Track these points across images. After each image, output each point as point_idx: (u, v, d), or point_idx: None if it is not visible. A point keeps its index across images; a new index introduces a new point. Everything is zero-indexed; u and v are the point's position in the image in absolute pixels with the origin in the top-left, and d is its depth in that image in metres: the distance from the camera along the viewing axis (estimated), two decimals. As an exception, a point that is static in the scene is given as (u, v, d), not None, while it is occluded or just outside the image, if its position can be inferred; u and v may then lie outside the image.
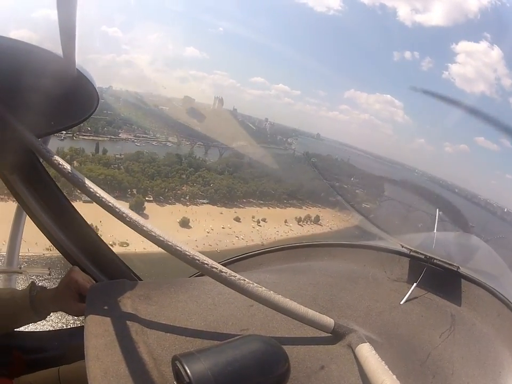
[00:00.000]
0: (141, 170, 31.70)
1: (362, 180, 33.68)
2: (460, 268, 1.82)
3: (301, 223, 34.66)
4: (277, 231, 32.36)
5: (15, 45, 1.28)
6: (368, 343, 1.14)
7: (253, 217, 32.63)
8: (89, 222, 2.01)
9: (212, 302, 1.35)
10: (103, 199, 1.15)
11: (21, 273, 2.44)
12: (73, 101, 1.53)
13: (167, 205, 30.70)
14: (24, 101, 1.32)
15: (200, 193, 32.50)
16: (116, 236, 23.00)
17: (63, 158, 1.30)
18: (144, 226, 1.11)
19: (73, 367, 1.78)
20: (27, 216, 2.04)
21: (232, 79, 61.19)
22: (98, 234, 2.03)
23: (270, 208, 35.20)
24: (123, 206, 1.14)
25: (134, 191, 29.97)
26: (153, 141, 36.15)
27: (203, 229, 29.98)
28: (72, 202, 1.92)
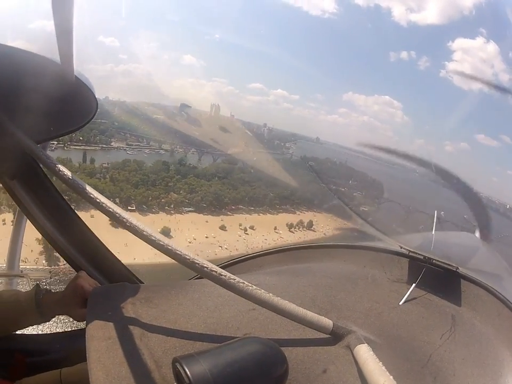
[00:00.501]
0: (125, 179, 30.87)
1: (361, 183, 32.91)
2: (459, 268, 1.82)
3: (292, 229, 33.39)
4: (265, 239, 31.08)
5: (12, 52, 1.29)
6: (366, 344, 1.15)
7: (240, 225, 31.45)
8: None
9: (212, 304, 1.37)
10: (104, 205, 1.17)
11: (22, 276, 2.46)
12: (72, 106, 1.54)
13: (150, 214, 29.65)
14: (22, 107, 1.32)
15: (186, 201, 31.58)
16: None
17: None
18: (144, 231, 1.13)
19: (75, 369, 1.77)
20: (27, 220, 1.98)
21: (231, 85, 58.65)
22: (99, 238, 2.00)
23: (261, 214, 34.07)
24: (124, 212, 1.16)
25: (117, 200, 28.49)
26: (146, 148, 35.63)
27: (185, 238, 28.90)
28: (77, 211, 1.91)
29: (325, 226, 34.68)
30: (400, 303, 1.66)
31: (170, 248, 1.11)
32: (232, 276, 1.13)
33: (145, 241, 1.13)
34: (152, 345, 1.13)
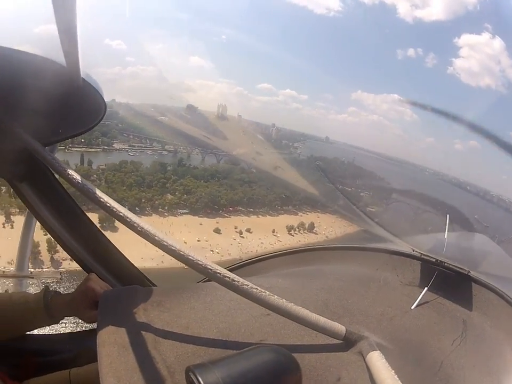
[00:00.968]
0: (120, 181, 30.24)
1: (369, 182, 31.09)
2: (471, 271, 1.79)
3: (292, 232, 32.07)
4: (262, 243, 29.83)
5: (18, 55, 1.30)
6: (378, 351, 1.15)
7: (236, 227, 30.29)
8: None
9: (224, 308, 1.35)
10: (114, 209, 1.16)
11: (32, 277, 2.45)
12: (80, 108, 1.54)
13: (143, 216, 28.37)
14: (29, 109, 1.34)
15: (181, 202, 30.59)
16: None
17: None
18: (156, 236, 1.10)
19: (84, 370, 1.75)
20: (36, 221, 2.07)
21: (239, 86, 60.04)
22: (110, 241, 2.01)
23: (260, 216, 32.86)
24: (134, 216, 1.14)
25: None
26: (149, 150, 35.58)
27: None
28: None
29: (328, 228, 33.76)
30: (412, 307, 1.60)
31: (182, 253, 1.08)
32: (245, 282, 1.09)
33: (157, 246, 1.09)
34: (164, 351, 1.10)
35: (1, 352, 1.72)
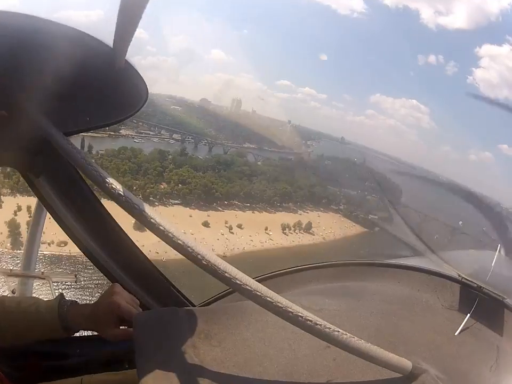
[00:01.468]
0: (115, 167, 28.72)
1: (378, 185, 32.99)
2: (506, 298, 1.79)
3: (286, 231, 30.27)
4: (251, 240, 28.14)
5: (51, 26, 1.19)
6: None
7: (226, 222, 28.75)
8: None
9: (281, 339, 1.27)
10: (151, 219, 1.00)
11: (43, 278, 2.28)
12: (118, 95, 1.37)
13: None
14: (54, 91, 1.15)
15: (174, 192, 29.12)
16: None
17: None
18: (179, 240, 0.99)
19: (98, 379, 1.70)
20: (46, 216, 2.04)
21: (259, 81, 57.88)
22: (137, 246, 1.89)
23: (255, 212, 31.16)
24: (169, 223, 1.00)
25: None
26: (156, 137, 34.28)
27: (156, 234, 22.91)
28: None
29: (327, 229, 32.27)
30: (456, 334, 1.62)
31: (208, 263, 0.95)
32: (300, 311, 0.99)
33: (179, 251, 0.97)
34: None
35: (4, 353, 1.59)
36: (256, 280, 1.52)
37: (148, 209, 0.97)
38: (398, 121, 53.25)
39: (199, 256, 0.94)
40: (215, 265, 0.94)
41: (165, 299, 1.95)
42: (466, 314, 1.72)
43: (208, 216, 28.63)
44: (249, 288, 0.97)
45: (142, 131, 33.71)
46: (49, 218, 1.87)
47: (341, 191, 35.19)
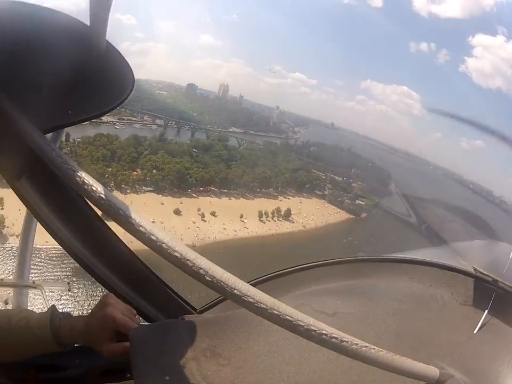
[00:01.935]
0: (89, 154, 27.34)
1: (365, 172, 34.90)
2: None
3: (263, 218, 28.47)
4: (224, 229, 26.45)
5: (20, 7, 1.05)
6: None
7: (199, 210, 27.11)
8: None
9: (294, 352, 1.19)
10: (140, 228, 0.84)
11: (35, 287, 2.16)
12: (101, 83, 1.19)
13: None
14: (31, 83, 1.03)
15: (147, 179, 27.51)
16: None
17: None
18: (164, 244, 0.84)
19: None
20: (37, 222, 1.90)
21: (249, 67, 60.12)
22: (130, 248, 1.74)
23: (232, 198, 29.69)
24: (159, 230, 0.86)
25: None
26: (138, 123, 32.92)
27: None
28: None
29: (308, 216, 30.82)
30: (475, 332, 1.57)
31: (203, 271, 0.82)
32: (317, 324, 0.89)
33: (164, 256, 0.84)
34: None
35: (1, 367, 1.56)
36: (258, 281, 1.77)
37: (135, 215, 0.83)
38: (389, 107, 53.68)
39: (201, 271, 0.82)
40: (220, 281, 0.83)
41: (164, 305, 1.82)
42: (483, 310, 1.66)
43: (181, 203, 27.35)
44: (263, 306, 0.85)
45: (124, 117, 32.48)
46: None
47: (326, 176, 34.55)
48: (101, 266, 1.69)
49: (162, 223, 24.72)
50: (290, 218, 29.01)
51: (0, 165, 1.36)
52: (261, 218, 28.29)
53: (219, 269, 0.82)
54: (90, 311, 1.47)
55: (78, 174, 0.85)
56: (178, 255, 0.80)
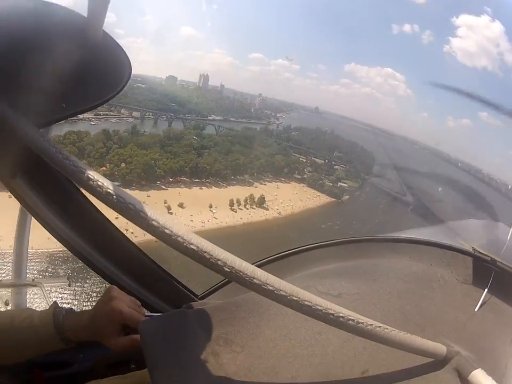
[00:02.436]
0: None
1: (349, 154, 34.73)
2: None
3: (234, 207, 26.93)
4: (191, 221, 24.83)
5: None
6: (480, 369, 1.12)
7: (165, 202, 25.70)
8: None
9: (307, 335, 1.18)
10: (148, 219, 0.78)
11: (34, 285, 2.12)
12: (97, 74, 1.13)
13: None
14: (24, 77, 0.97)
15: (115, 173, 25.84)
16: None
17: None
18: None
19: None
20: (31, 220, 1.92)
21: (230, 56, 61.27)
22: (129, 238, 1.73)
23: (203, 188, 28.21)
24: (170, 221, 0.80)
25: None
26: (114, 117, 32.03)
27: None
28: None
29: (285, 201, 29.41)
30: (476, 310, 1.56)
31: (207, 255, 0.77)
32: (329, 306, 0.88)
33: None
34: None
35: (7, 369, 1.53)
36: (261, 264, 1.82)
37: (147, 209, 0.79)
38: (374, 89, 55.11)
39: (219, 262, 0.79)
40: (240, 271, 0.80)
41: (166, 293, 1.84)
42: (482, 289, 1.67)
43: (148, 196, 25.98)
44: (283, 293, 0.83)
45: (101, 112, 31.71)
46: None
47: (307, 159, 33.90)
48: (101, 259, 1.68)
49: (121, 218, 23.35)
50: (264, 205, 27.71)
51: None
52: (232, 207, 26.90)
53: (237, 259, 0.79)
54: (93, 305, 1.44)
55: (82, 169, 0.81)
56: (194, 247, 0.76)
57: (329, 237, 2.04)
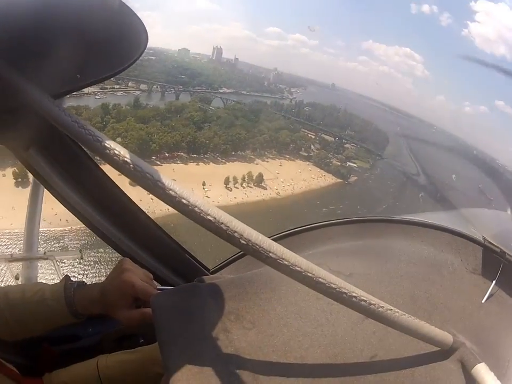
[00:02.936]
0: None
1: (362, 133, 32.92)
2: None
3: (229, 185, 24.94)
4: None
5: None
6: (483, 363, 1.09)
7: None
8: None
9: (317, 314, 1.15)
10: (173, 194, 0.75)
11: (46, 258, 2.11)
12: (112, 43, 1.06)
13: None
14: (37, 47, 0.92)
15: None
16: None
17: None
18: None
19: (115, 361, 1.53)
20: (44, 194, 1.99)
21: (247, 30, 61.96)
22: (143, 210, 1.70)
23: (201, 164, 26.35)
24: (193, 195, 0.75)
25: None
26: (120, 91, 30.62)
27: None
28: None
29: (286, 181, 27.27)
30: (483, 301, 1.49)
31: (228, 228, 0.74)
32: (333, 280, 0.85)
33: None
34: None
35: (13, 343, 1.51)
36: (274, 239, 1.58)
37: (165, 179, 0.76)
38: (392, 68, 54.44)
39: (236, 234, 0.76)
40: (256, 244, 0.77)
41: (178, 267, 1.84)
42: (490, 280, 1.59)
43: None
44: (286, 263, 0.81)
45: (107, 86, 30.83)
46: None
47: (317, 135, 32.25)
48: (115, 232, 1.69)
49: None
50: (262, 184, 25.76)
51: (8, 136, 1.27)
52: (227, 185, 25.08)
53: (254, 232, 0.77)
54: (105, 278, 1.43)
55: (99, 138, 0.77)
56: (211, 218, 0.74)
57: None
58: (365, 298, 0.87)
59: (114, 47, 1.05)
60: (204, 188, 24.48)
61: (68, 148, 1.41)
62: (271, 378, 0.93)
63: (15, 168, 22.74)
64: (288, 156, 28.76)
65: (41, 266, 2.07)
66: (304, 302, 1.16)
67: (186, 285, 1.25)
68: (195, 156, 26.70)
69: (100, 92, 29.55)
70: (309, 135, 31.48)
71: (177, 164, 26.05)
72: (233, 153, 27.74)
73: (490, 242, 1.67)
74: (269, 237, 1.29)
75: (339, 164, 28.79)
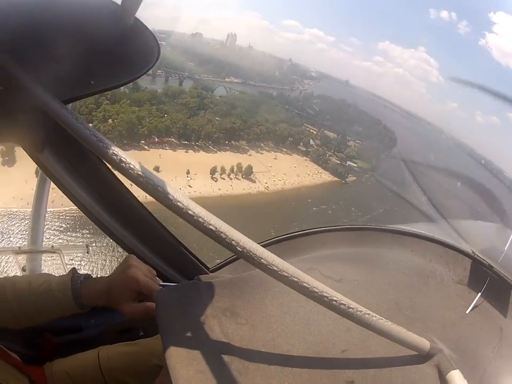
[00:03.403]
0: None
1: (369, 131, 32.74)
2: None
3: (215, 175, 23.61)
4: None
5: None
6: (458, 370, 1.12)
7: (139, 164, 18.47)
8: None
9: (305, 314, 1.21)
10: (180, 204, 0.83)
11: (53, 252, 2.01)
12: (125, 54, 1.17)
13: None
14: (54, 53, 1.00)
15: (100, 130, 20.11)
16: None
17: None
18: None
19: (116, 352, 1.60)
20: (50, 188, 2.02)
21: (265, 20, 62.28)
22: (149, 211, 1.73)
23: (190, 151, 24.94)
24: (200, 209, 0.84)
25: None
26: None
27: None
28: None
29: (278, 175, 25.78)
30: (467, 312, 1.52)
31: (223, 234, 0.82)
32: (325, 289, 0.92)
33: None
34: (252, 377, 0.98)
35: (17, 333, 1.54)
36: (271, 242, 1.84)
37: (174, 192, 0.84)
38: (406, 71, 54.51)
39: (233, 242, 0.84)
40: (250, 251, 0.86)
41: (180, 265, 1.91)
42: (476, 292, 1.62)
43: None
44: (275, 268, 0.87)
45: None
46: (53, 188, 1.81)
47: (319, 131, 31.23)
48: (122, 230, 1.72)
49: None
50: (251, 176, 24.60)
51: (23, 138, 1.37)
52: (213, 176, 23.86)
53: (248, 241, 0.84)
54: (111, 272, 1.48)
55: (112, 150, 0.83)
56: (213, 228, 0.83)
57: (315, 225, 1.94)
58: (344, 302, 0.93)
59: (126, 59, 1.13)
60: (187, 177, 23.35)
61: (81, 150, 1.43)
62: (259, 367, 0.98)
63: (2, 147, 22.20)
64: (285, 150, 27.84)
65: (49, 259, 2.08)
66: (294, 302, 1.22)
67: (187, 282, 1.32)
68: (186, 142, 25.58)
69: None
70: (311, 130, 30.65)
71: (166, 149, 24.92)
72: (226, 142, 26.62)
73: (478, 256, 1.71)
74: (267, 240, 1.52)
75: (338, 162, 27.89)
